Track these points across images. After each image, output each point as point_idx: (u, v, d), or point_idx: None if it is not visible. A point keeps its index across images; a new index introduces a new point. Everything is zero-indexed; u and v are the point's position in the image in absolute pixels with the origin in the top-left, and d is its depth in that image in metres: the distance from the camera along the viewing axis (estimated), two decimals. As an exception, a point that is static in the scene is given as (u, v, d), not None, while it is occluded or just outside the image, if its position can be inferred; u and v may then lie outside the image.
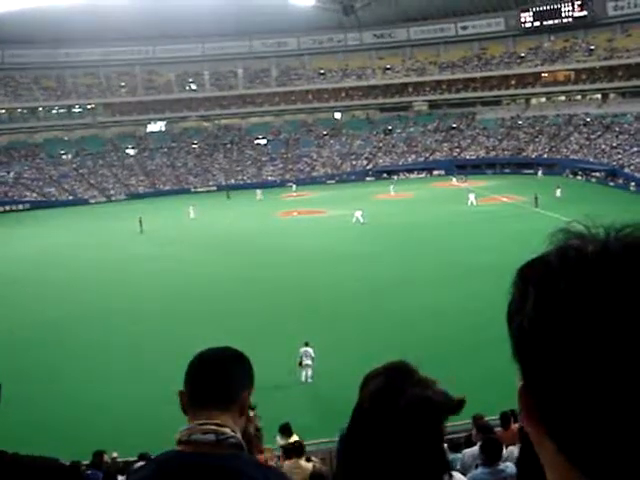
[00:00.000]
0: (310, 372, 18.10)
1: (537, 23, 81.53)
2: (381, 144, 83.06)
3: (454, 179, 67.32)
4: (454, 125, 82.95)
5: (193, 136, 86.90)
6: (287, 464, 8.49)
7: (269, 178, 78.71)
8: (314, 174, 79.43)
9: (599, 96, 77.33)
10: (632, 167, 58.94)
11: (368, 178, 76.66)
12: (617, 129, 68.91)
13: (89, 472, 9.45)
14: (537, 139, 75.42)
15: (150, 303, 27.33)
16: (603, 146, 67.16)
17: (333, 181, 76.52)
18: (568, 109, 77.65)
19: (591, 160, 65.42)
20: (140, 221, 46.87)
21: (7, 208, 66.75)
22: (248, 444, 1.89)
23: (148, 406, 16.56)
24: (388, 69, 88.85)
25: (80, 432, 15.19)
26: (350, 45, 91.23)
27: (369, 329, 21.97)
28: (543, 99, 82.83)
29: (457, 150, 79.01)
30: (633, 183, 54.94)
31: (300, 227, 45.25)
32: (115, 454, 11.32)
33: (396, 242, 37.04)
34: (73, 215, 60.59)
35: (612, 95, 76.38)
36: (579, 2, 77.37)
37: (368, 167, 79.45)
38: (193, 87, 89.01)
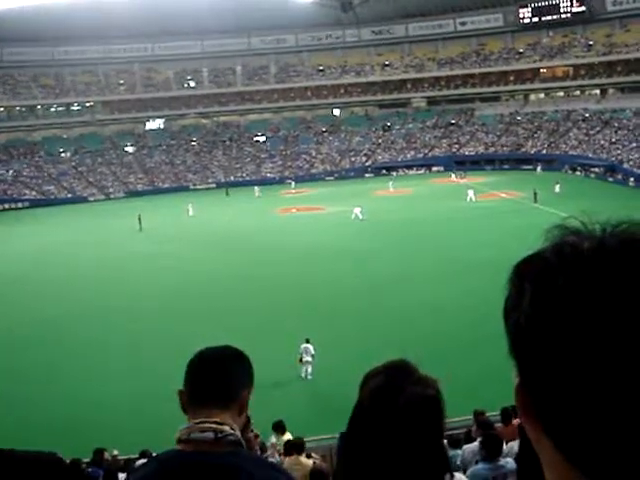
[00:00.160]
0: (310, 369, 18.14)
1: (536, 19, 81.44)
2: (380, 140, 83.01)
3: (453, 175, 67.26)
4: (453, 121, 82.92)
5: (192, 133, 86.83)
6: (287, 460, 8.52)
7: (268, 175, 78.69)
8: (313, 171, 79.42)
9: (598, 92, 77.29)
10: (631, 162, 58.95)
11: (367, 174, 76.65)
12: (616, 124, 68.88)
13: (90, 470, 9.46)
14: (536, 135, 75.38)
15: (149, 301, 27.32)
16: (602, 142, 67.14)
17: (332, 178, 76.43)
18: (567, 105, 77.61)
19: (590, 156, 65.41)
20: (139, 219, 46.84)
21: (6, 206, 66.68)
22: (247, 445, 1.89)
23: (148, 404, 16.56)
24: (387, 65, 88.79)
25: (80, 430, 15.17)
26: (348, 41, 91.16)
27: (368, 326, 21.96)
28: (542, 95, 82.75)
29: (456, 146, 78.96)
30: (632, 178, 54.93)
31: (299, 224, 45.23)
32: (116, 452, 11.31)
33: (395, 238, 37.04)
34: (72, 213, 60.60)
35: (611, 90, 76.32)
36: (577, -3, 77.44)
37: (367, 163, 79.44)
38: (192, 84, 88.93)
